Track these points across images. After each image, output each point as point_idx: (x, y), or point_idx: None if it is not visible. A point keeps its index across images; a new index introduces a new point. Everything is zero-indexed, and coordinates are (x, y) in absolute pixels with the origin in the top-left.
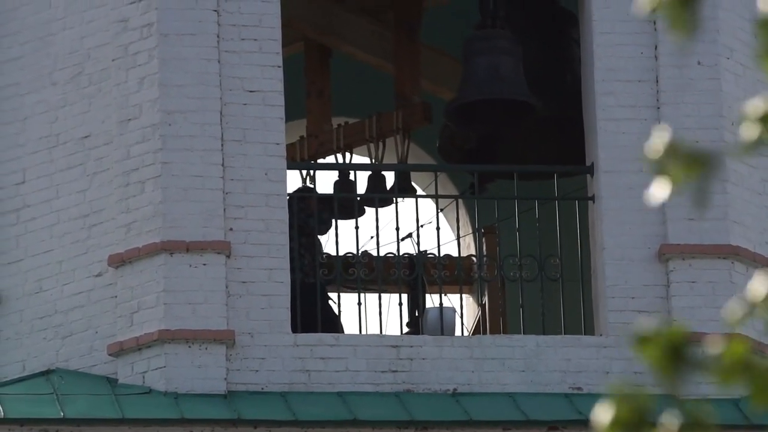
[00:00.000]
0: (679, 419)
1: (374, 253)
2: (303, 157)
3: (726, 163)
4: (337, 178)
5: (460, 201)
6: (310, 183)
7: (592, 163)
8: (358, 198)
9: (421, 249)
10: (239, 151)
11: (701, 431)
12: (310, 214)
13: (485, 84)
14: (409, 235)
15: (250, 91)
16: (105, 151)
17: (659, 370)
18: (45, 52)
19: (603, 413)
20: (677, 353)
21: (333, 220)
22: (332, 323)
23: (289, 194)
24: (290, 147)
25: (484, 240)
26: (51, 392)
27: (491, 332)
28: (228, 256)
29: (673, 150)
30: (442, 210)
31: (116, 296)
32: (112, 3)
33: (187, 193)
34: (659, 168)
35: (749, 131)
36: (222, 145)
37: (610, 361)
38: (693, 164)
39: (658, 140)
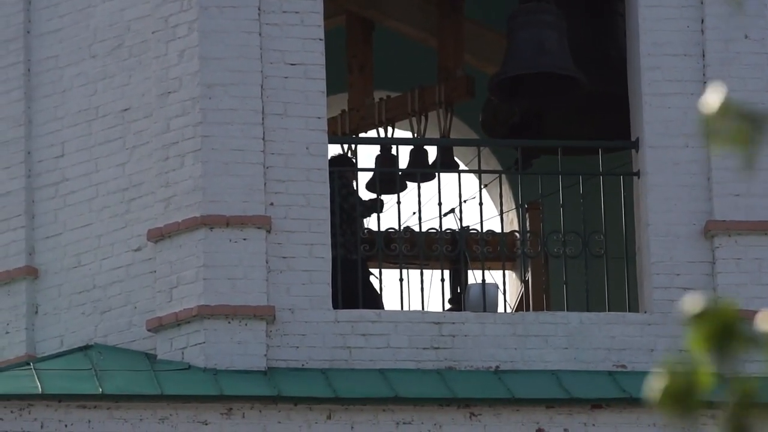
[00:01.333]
0: (731, 397)
1: (416, 228)
2: (344, 131)
3: None
4: (379, 153)
5: (504, 176)
6: (351, 157)
7: (637, 138)
8: (400, 173)
9: (464, 224)
10: (280, 124)
11: (753, 409)
12: (351, 191)
13: (529, 58)
14: (452, 211)
15: (292, 65)
16: (144, 124)
17: (711, 348)
18: (84, 24)
19: (654, 386)
20: (729, 331)
21: (378, 206)
22: (373, 299)
23: (330, 168)
24: (331, 121)
25: (527, 216)
26: (89, 368)
27: (534, 309)
28: (268, 231)
29: (726, 109)
30: (485, 185)
31: (155, 271)
32: None
33: (227, 167)
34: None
35: None
36: (263, 118)
37: (654, 338)
38: (745, 124)
39: (714, 97)
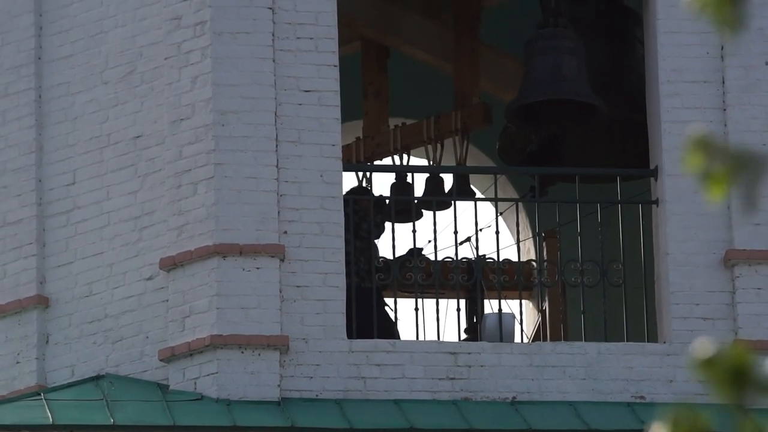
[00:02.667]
0: None
1: (432, 257)
2: (359, 159)
3: None
4: (394, 181)
5: (520, 204)
6: (367, 185)
7: (656, 166)
8: (416, 201)
9: (480, 253)
10: (294, 152)
11: None
12: (363, 216)
13: (547, 84)
14: (468, 239)
15: (306, 91)
16: (157, 151)
17: (724, 393)
18: (96, 51)
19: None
20: (742, 376)
21: (386, 223)
22: (389, 329)
23: (344, 196)
24: (346, 148)
25: (544, 244)
26: (101, 398)
27: (551, 339)
28: (282, 260)
29: (710, 149)
30: (501, 213)
31: (167, 300)
32: (164, 0)
33: (240, 195)
34: (703, 169)
35: None
36: (276, 146)
37: (673, 369)
38: (737, 165)
39: (694, 135)
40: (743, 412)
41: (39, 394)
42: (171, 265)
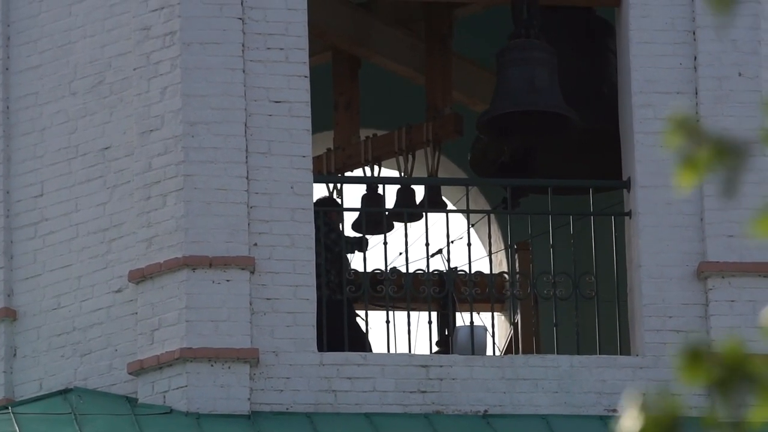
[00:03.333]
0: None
1: (403, 269)
2: (330, 170)
3: (766, 176)
4: (365, 192)
5: (492, 216)
6: (337, 197)
7: (629, 178)
8: (387, 213)
9: (452, 265)
10: (264, 163)
11: None
12: (333, 228)
13: (519, 95)
14: (439, 251)
15: (276, 102)
16: (126, 163)
17: (713, 390)
18: (64, 61)
19: (629, 425)
20: (736, 373)
21: (363, 243)
22: (359, 342)
23: (315, 208)
24: (317, 159)
25: (516, 256)
26: (69, 412)
27: (524, 352)
28: (252, 272)
29: (692, 131)
30: (473, 225)
31: (136, 313)
32: (133, 10)
33: (210, 206)
34: (684, 154)
35: None
36: (246, 157)
37: (646, 382)
38: (720, 152)
39: (676, 114)
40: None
41: (7, 408)
42: (140, 277)
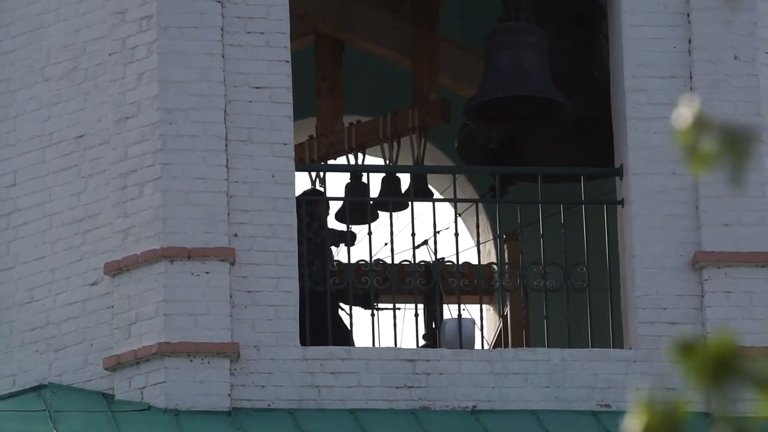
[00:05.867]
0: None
1: (388, 260)
2: (312, 158)
3: (764, 165)
4: (349, 181)
5: (480, 205)
6: (320, 186)
7: (622, 165)
8: (371, 202)
9: (439, 256)
10: (244, 151)
11: None
12: (316, 218)
13: (508, 80)
14: (426, 242)
15: (257, 88)
16: (101, 151)
17: (704, 384)
18: (37, 46)
19: (632, 425)
20: (726, 367)
21: (350, 237)
22: (343, 335)
23: (297, 197)
24: (299, 147)
25: (505, 247)
26: (43, 409)
27: (513, 345)
28: (232, 264)
29: (704, 124)
30: (460, 215)
31: (113, 306)
32: None
33: (188, 196)
34: (689, 144)
35: None
36: (226, 145)
37: (640, 376)
38: (727, 141)
39: (687, 110)
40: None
41: None
42: (116, 269)
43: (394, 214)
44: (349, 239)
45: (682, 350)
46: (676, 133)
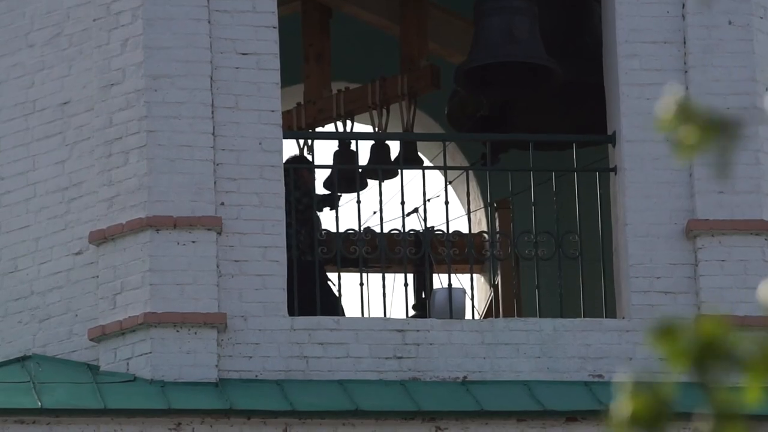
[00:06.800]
0: (711, 412)
1: (377, 229)
2: (300, 126)
3: (758, 132)
4: (337, 148)
5: (471, 173)
6: (308, 153)
7: (614, 132)
8: (360, 170)
9: (428, 225)
10: (231, 118)
11: (734, 424)
12: (300, 185)
13: (498, 46)
14: (416, 210)
15: (243, 54)
16: (85, 118)
17: (690, 366)
18: (20, 12)
19: (621, 408)
20: (711, 348)
21: (334, 202)
22: (332, 305)
23: (285, 165)
24: (286, 114)
25: (496, 215)
26: (27, 380)
27: (504, 315)
28: (219, 233)
29: (688, 113)
30: (451, 182)
31: (98, 276)
32: None
33: (174, 164)
34: (673, 133)
35: None
36: (212, 112)
37: (633, 346)
38: (711, 130)
39: (671, 100)
40: (711, 385)
41: None
42: (101, 238)
43: (383, 182)
44: (335, 202)
45: (663, 335)
46: (660, 122)
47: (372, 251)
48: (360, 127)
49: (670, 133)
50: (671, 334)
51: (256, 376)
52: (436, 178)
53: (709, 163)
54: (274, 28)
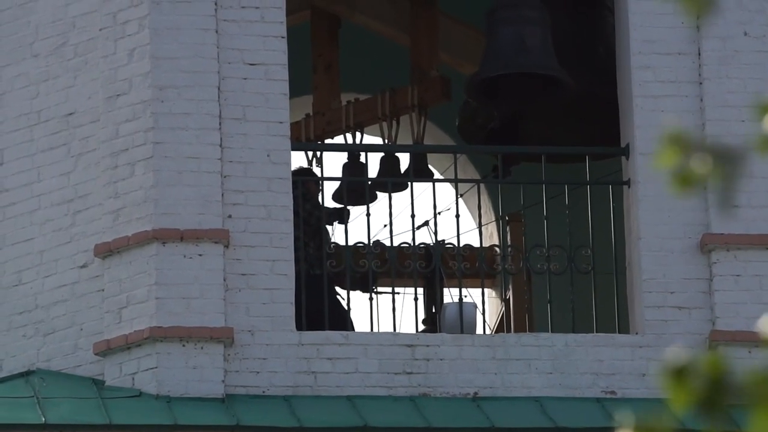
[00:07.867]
0: None
1: (387, 243)
2: (309, 137)
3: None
4: (347, 160)
5: (482, 186)
6: (317, 165)
7: (628, 144)
8: (370, 182)
9: (439, 238)
10: (239, 130)
11: None
12: (308, 198)
13: (510, 57)
14: (426, 223)
15: (251, 65)
16: (91, 129)
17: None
18: (25, 21)
19: None
20: (717, 388)
21: (344, 216)
22: (341, 320)
23: (293, 178)
24: (295, 126)
25: (508, 228)
26: (31, 395)
27: (516, 330)
28: (226, 246)
29: (688, 145)
30: (461, 195)
31: (103, 290)
32: None
33: (181, 176)
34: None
35: None
36: (220, 123)
37: (646, 362)
38: (714, 162)
39: (670, 132)
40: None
41: None
42: (107, 251)
43: (393, 194)
44: (345, 217)
45: (673, 376)
46: (659, 154)
47: (382, 265)
48: (369, 139)
49: (667, 165)
50: (682, 377)
51: (264, 391)
52: (446, 190)
53: (714, 193)
54: (283, 38)
